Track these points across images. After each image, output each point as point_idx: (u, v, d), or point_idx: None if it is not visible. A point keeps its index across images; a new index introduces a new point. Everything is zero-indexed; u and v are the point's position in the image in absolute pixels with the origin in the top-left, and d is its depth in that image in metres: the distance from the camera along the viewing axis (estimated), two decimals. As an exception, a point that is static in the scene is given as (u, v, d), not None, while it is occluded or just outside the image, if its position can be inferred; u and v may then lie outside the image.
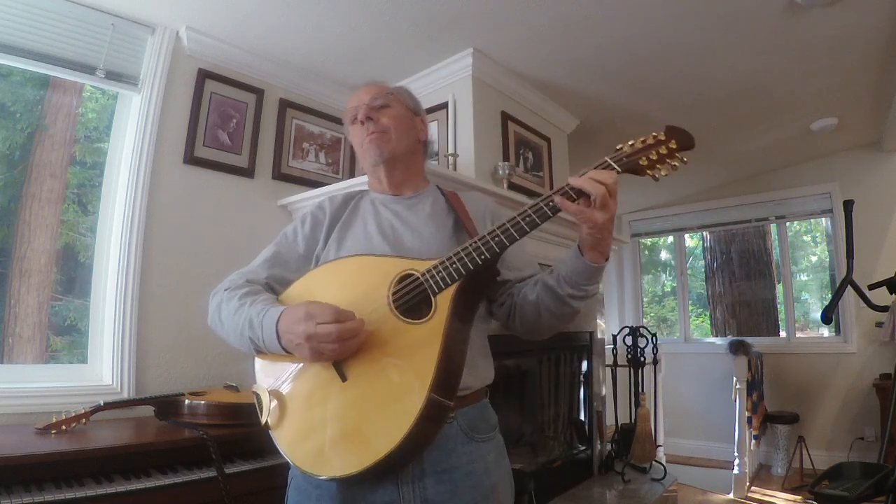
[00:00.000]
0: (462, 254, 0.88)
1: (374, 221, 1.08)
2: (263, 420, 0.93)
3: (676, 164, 0.88)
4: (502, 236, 0.87)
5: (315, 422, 0.89)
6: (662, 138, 0.88)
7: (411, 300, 0.89)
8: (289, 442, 0.91)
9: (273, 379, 0.96)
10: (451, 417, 0.93)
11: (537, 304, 0.97)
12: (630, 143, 0.90)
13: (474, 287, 0.91)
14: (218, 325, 1.03)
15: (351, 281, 0.94)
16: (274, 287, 1.06)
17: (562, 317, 0.98)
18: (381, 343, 0.87)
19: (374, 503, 0.90)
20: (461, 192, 1.17)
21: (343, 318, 0.84)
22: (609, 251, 0.91)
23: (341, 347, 0.84)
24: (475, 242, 0.88)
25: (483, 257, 0.87)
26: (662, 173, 0.89)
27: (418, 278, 0.89)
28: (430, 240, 1.04)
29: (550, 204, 0.86)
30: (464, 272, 0.87)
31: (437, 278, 0.88)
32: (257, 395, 0.95)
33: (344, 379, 0.88)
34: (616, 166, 0.88)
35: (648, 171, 0.89)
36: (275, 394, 0.94)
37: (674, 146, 0.87)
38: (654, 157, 0.88)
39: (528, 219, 0.87)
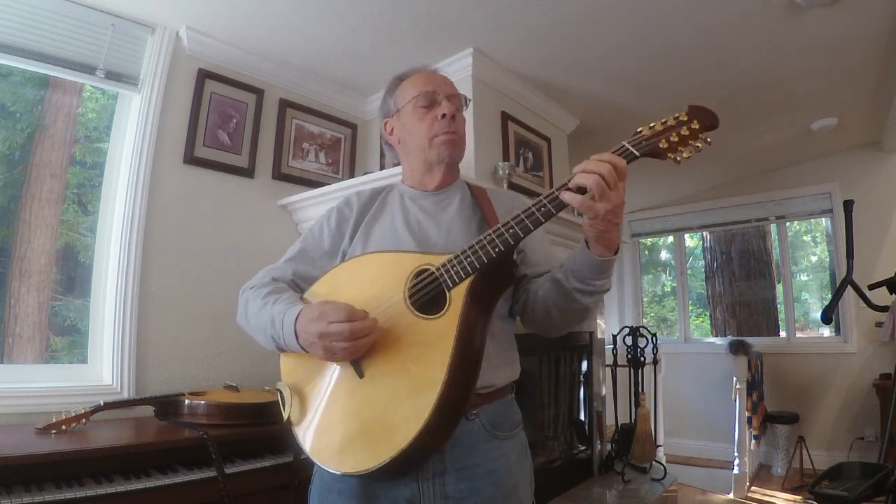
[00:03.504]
0: (476, 247, 0.86)
1: (402, 216, 1.07)
2: (286, 416, 0.94)
3: (700, 145, 0.83)
4: (517, 227, 0.84)
5: (334, 418, 0.90)
6: (684, 119, 0.83)
7: (426, 295, 0.89)
8: (309, 438, 0.92)
9: (296, 376, 0.97)
10: (473, 414, 0.93)
11: (546, 300, 0.95)
12: (650, 125, 0.85)
13: (489, 281, 0.89)
14: (245, 323, 1.03)
15: (371, 277, 0.94)
16: (299, 284, 1.06)
17: (571, 313, 0.95)
18: (397, 339, 0.87)
19: (394, 498, 0.90)
20: (490, 190, 1.15)
21: (355, 317, 0.84)
22: (617, 244, 0.86)
23: (353, 346, 0.84)
24: (489, 235, 0.86)
25: (497, 250, 0.84)
26: (685, 155, 0.83)
27: (433, 272, 0.89)
28: (454, 235, 1.02)
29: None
30: (478, 266, 0.85)
31: (452, 273, 0.87)
32: (280, 392, 0.97)
33: (361, 376, 0.88)
34: (635, 151, 0.82)
35: (670, 155, 0.83)
36: (296, 390, 0.96)
37: (696, 126, 0.82)
38: (676, 139, 0.82)
39: (543, 209, 0.83)
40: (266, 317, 0.95)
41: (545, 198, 0.84)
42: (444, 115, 1.05)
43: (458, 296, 0.86)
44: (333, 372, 0.92)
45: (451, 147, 1.07)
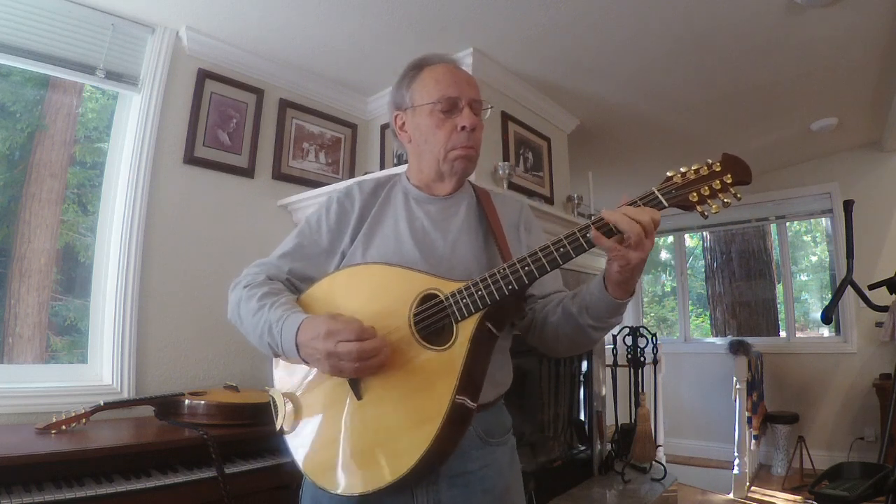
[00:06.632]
0: (489, 281, 0.84)
1: (407, 221, 1.02)
2: (279, 426, 0.93)
3: (729, 200, 0.80)
4: (533, 266, 0.82)
5: (329, 437, 0.88)
6: (718, 170, 0.80)
7: (433, 325, 0.86)
8: (303, 452, 0.91)
9: (290, 384, 0.96)
10: None
11: (557, 328, 0.94)
12: (682, 170, 0.82)
13: (498, 315, 0.87)
14: (238, 322, 1.00)
15: (374, 292, 0.91)
16: (295, 283, 1.03)
17: (580, 344, 0.96)
18: (399, 366, 0.85)
19: None
20: (494, 194, 1.11)
21: (364, 335, 0.81)
22: (634, 289, 0.85)
23: (362, 366, 0.82)
24: (504, 270, 0.84)
25: (510, 287, 0.83)
26: (713, 210, 0.80)
27: (441, 302, 0.86)
28: (460, 250, 0.99)
29: (587, 236, 0.81)
30: (489, 301, 0.83)
31: (461, 304, 0.84)
32: (273, 400, 0.95)
33: (359, 398, 0.87)
34: (664, 200, 0.80)
35: (698, 207, 0.80)
36: (291, 399, 0.94)
37: (729, 180, 0.80)
38: (707, 192, 0.80)
39: (561, 250, 0.82)
40: (262, 321, 0.90)
41: (566, 238, 0.82)
42: (463, 128, 0.99)
43: (465, 329, 0.84)
44: (329, 388, 0.90)
45: (467, 162, 1.03)
